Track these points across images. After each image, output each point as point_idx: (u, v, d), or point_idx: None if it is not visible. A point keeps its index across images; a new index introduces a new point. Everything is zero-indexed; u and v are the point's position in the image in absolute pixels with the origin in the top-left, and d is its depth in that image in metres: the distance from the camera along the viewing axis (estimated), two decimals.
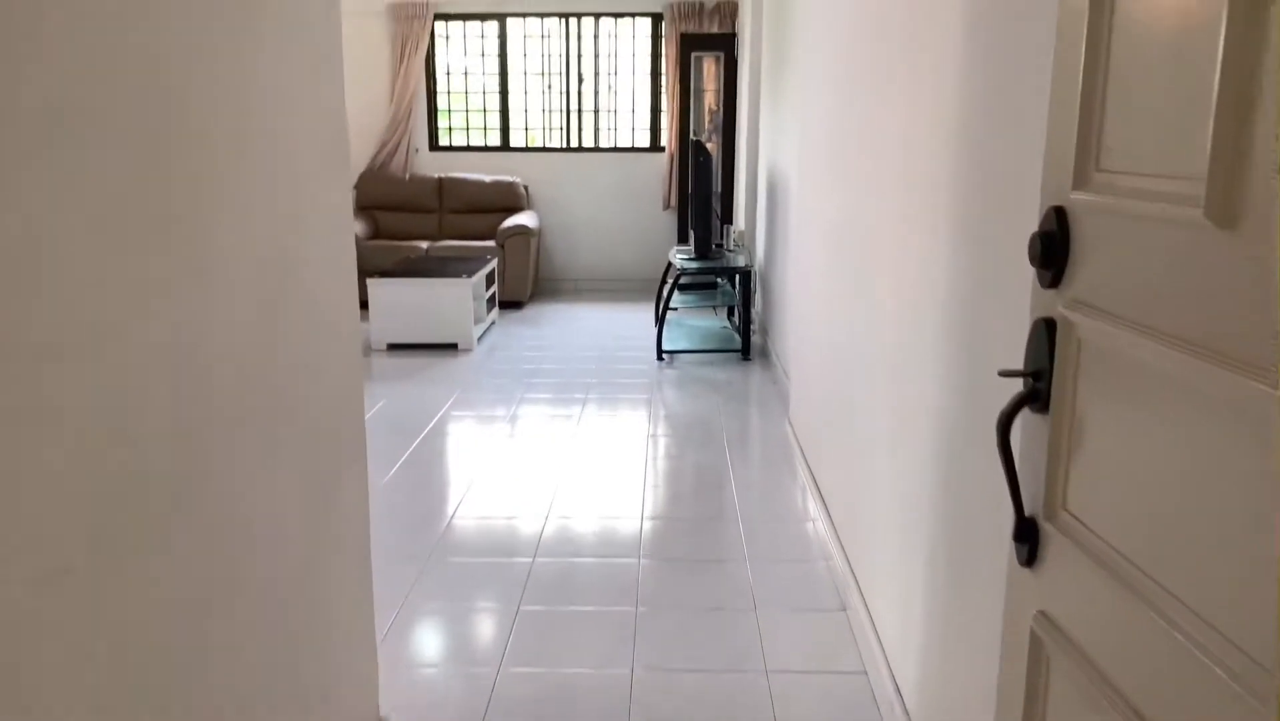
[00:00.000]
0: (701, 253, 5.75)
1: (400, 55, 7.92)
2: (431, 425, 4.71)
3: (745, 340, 5.70)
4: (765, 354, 5.81)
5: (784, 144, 5.29)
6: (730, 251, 6.18)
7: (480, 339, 6.39)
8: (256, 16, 1.57)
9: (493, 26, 8.04)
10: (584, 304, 7.74)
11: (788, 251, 4.97)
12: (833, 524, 3.14)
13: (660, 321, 5.73)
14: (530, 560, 3.15)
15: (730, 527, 3.40)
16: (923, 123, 2.11)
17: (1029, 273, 1.19)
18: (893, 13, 2.43)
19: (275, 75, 1.64)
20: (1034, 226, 1.16)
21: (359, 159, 8.14)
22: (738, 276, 5.80)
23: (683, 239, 7.66)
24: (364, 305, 7.18)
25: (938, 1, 2.03)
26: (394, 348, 6.15)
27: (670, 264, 6.41)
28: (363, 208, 8.00)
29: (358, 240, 7.45)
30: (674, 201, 7.98)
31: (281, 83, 1.66)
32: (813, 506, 3.48)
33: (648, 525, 3.43)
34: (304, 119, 1.76)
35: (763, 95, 6.35)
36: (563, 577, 3.04)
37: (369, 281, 6.10)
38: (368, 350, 6.11)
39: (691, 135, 7.50)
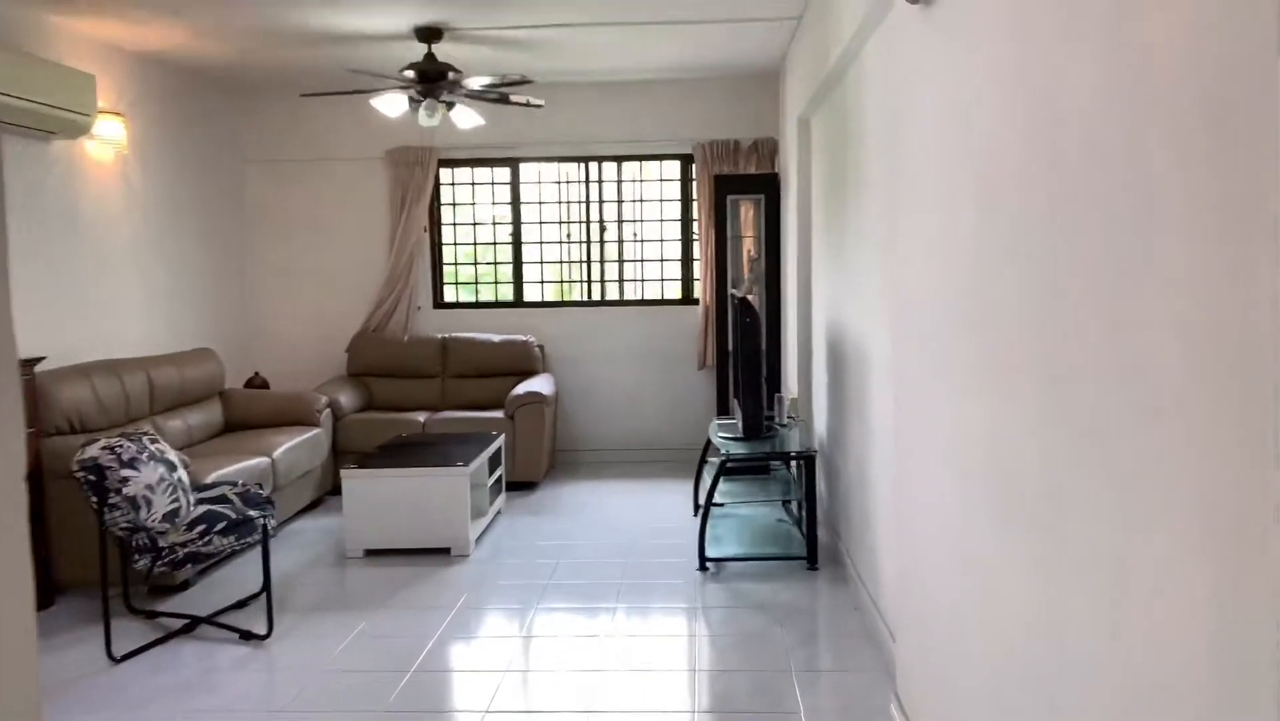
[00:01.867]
0: (751, 432, 4.64)
1: (401, 205, 7.09)
2: (418, 663, 3.57)
3: (811, 544, 4.52)
4: (836, 559, 4.62)
5: (850, 300, 4.25)
6: (783, 426, 5.08)
7: (481, 538, 5.24)
8: None
9: (504, 172, 7.22)
10: (609, 481, 6.60)
11: (869, 434, 3.85)
12: None
13: (702, 522, 4.57)
14: None
15: None
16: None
17: None
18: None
19: None
20: None
21: (353, 320, 7.22)
22: (801, 464, 4.67)
23: (722, 407, 6.57)
24: (335, 493, 6.21)
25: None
26: (373, 554, 5.02)
27: (710, 442, 5.30)
28: (354, 375, 7.02)
29: (343, 414, 6.42)
30: (710, 359, 6.94)
31: None
32: None
33: None
34: None
35: (815, 243, 5.37)
36: None
37: (342, 474, 5.03)
38: (341, 558, 4.98)
39: (730, 288, 6.52)
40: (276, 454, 5.42)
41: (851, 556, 4.31)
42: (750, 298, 5.57)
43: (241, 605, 4.28)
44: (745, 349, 4.53)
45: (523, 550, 5.07)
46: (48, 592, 4.32)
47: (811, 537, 4.52)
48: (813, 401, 5.51)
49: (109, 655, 3.74)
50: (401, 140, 7.06)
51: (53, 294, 5.06)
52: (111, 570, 3.88)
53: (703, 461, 5.55)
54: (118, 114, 5.46)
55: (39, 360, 4.31)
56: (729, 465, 4.53)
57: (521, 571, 4.73)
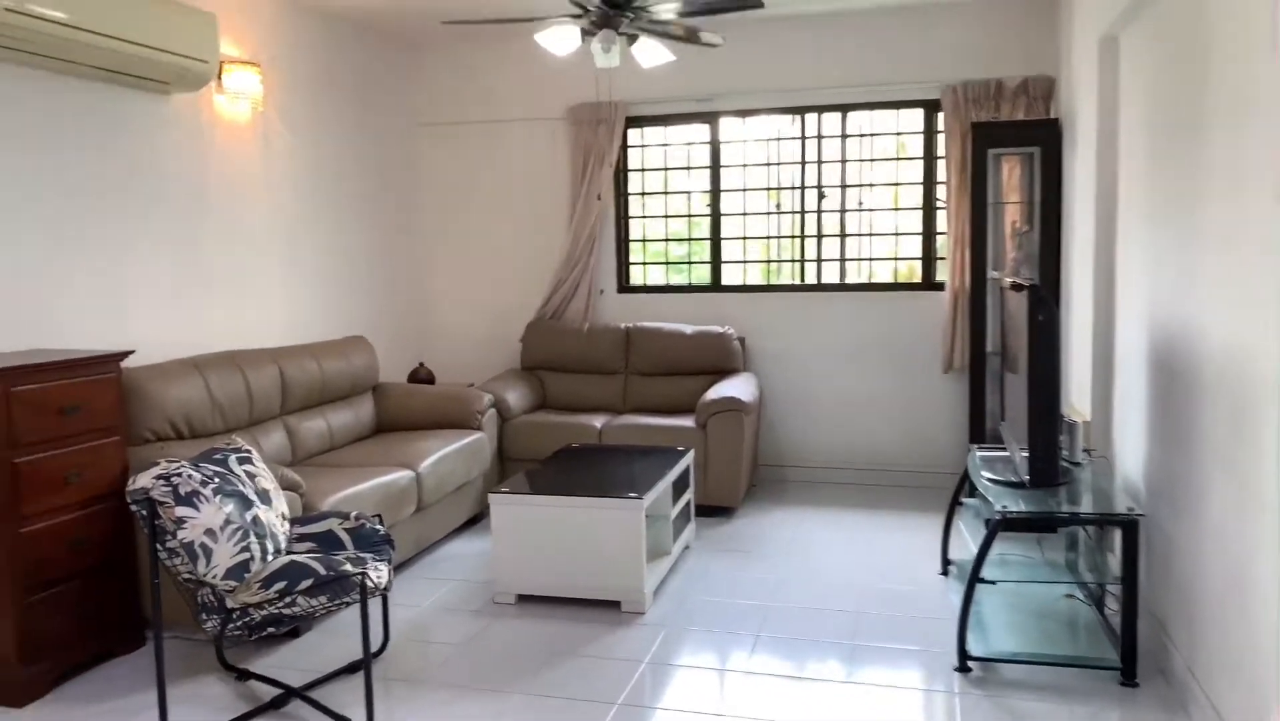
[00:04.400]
0: (1040, 479, 3.22)
1: (583, 172, 6.04)
2: None
3: (1128, 647, 3.08)
4: (1164, 670, 3.15)
5: (1210, 291, 2.77)
6: (1075, 465, 3.62)
7: (661, 587, 4.11)
8: None
9: (702, 129, 6.03)
10: (823, 510, 5.31)
11: (1250, 501, 2.41)
12: None
13: (965, 603, 3.22)
14: None
15: None
16: None
17: None
18: None
19: None
20: None
21: (528, 304, 6.27)
22: (1120, 531, 3.22)
23: (977, 426, 5.11)
24: (478, 520, 4.96)
25: None
26: (527, 601, 3.99)
27: (968, 480, 3.91)
28: (528, 368, 6.07)
29: (510, 415, 5.47)
30: (960, 361, 5.48)
31: None
32: None
33: None
34: None
35: (1127, 209, 3.84)
36: None
37: (490, 498, 4.02)
38: (488, 605, 3.98)
39: (990, 270, 5.06)
40: (423, 466, 4.51)
41: (1198, 673, 2.85)
42: (1018, 281, 4.07)
43: (354, 669, 3.36)
44: (1038, 359, 3.11)
45: (711, 612, 3.88)
46: (136, 630, 3.56)
47: (1129, 638, 3.07)
48: (1113, 430, 4.00)
49: None
50: (585, 95, 6.01)
51: (172, 276, 4.34)
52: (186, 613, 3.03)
53: (956, 502, 4.17)
54: (253, 64, 4.68)
55: (126, 354, 3.54)
56: (1007, 522, 3.14)
57: (707, 643, 3.55)
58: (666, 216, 6.18)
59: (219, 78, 4.48)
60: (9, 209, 3.55)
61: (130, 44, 3.68)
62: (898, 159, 5.78)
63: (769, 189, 5.96)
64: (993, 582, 3.37)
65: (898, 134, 5.77)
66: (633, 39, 4.40)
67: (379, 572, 3.07)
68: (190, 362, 4.10)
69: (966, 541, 4.36)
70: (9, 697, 3.13)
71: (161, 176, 4.26)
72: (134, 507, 2.81)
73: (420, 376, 6.07)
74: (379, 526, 3.40)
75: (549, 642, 3.59)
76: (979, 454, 3.92)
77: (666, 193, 6.15)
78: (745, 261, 6.06)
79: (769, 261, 6.03)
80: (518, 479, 4.29)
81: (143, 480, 2.80)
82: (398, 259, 6.20)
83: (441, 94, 6.34)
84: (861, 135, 5.79)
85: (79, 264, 3.84)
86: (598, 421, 5.44)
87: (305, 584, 2.84)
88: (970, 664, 3.22)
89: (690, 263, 6.17)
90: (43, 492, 3.17)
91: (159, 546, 2.83)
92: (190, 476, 2.85)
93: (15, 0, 3.20)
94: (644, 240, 6.24)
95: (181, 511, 2.77)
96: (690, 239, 6.16)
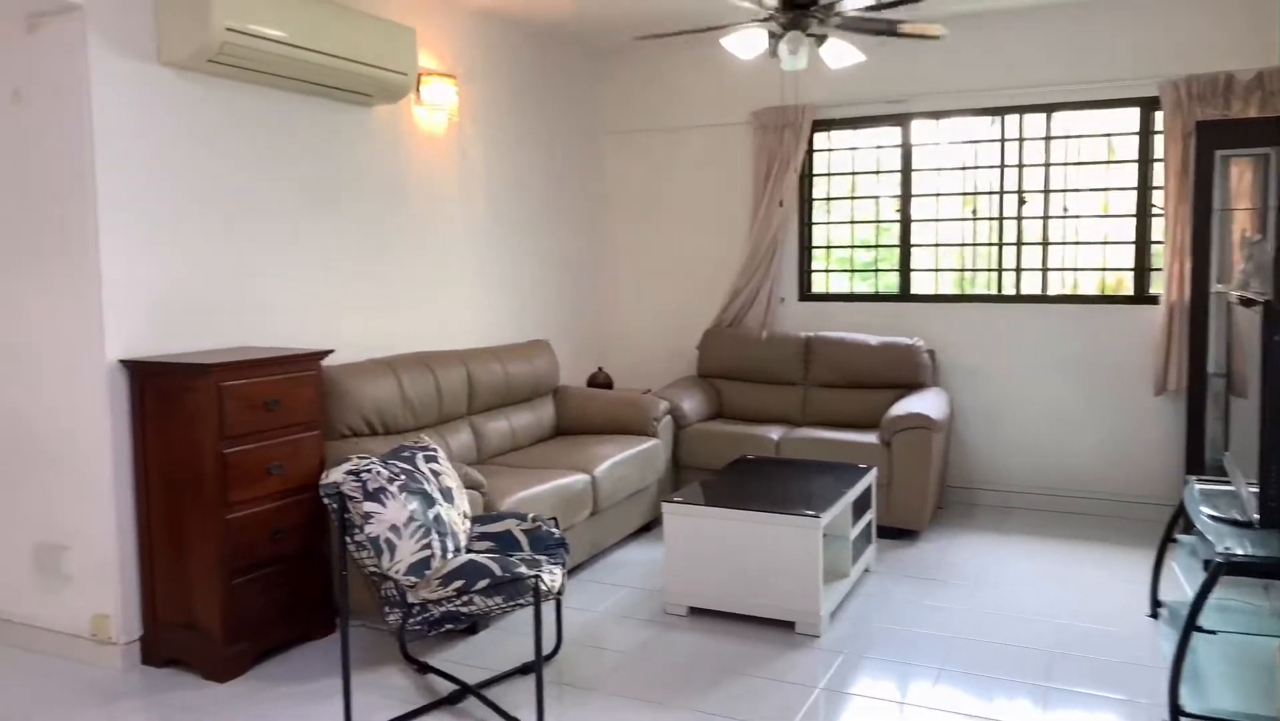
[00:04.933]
0: (1273, 518, 2.87)
1: (765, 177, 5.94)
2: None
3: None
4: None
5: None
6: None
7: (838, 611, 3.95)
8: None
9: (892, 132, 5.79)
10: (1017, 537, 4.97)
11: None
12: None
13: (1179, 651, 2.90)
14: None
15: None
16: None
17: None
18: None
19: None
20: None
21: (706, 311, 6.22)
22: None
23: (1194, 455, 4.67)
24: (651, 528, 4.91)
25: None
26: (699, 614, 3.93)
27: (1183, 515, 3.55)
28: (704, 376, 6.02)
29: (686, 423, 5.43)
30: (1177, 382, 5.01)
31: None
32: None
33: None
34: None
35: None
36: None
37: (663, 507, 3.99)
38: (659, 614, 3.95)
39: (1214, 283, 4.60)
40: (599, 470, 4.53)
41: None
42: (1246, 295, 3.66)
43: (526, 670, 3.39)
44: (1273, 384, 2.76)
45: (891, 640, 3.69)
46: (328, 617, 3.74)
47: None
48: None
49: None
50: (770, 99, 5.90)
51: (369, 280, 4.55)
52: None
53: (1169, 538, 3.79)
54: (449, 76, 4.86)
55: (326, 353, 3.73)
56: (1230, 565, 2.81)
57: (886, 672, 3.37)
58: (853, 222, 5.98)
59: (417, 89, 4.67)
60: (228, 215, 3.81)
61: (338, 59, 3.88)
62: (1108, 162, 5.35)
63: (964, 194, 5.65)
64: (1212, 632, 3.03)
65: (1108, 135, 5.34)
66: (821, 40, 4.27)
67: (553, 576, 3.08)
68: (385, 362, 4.29)
69: (1180, 582, 3.98)
70: (213, 672, 3.34)
71: (363, 184, 4.48)
72: (326, 500, 2.94)
73: (599, 381, 6.13)
74: (555, 530, 3.43)
75: (719, 659, 3.51)
76: (1198, 487, 3.54)
77: (853, 198, 5.95)
78: (937, 270, 5.77)
79: (963, 270, 5.72)
80: (692, 489, 4.23)
81: (335, 474, 2.92)
82: (580, 264, 6.29)
83: (626, 101, 6.40)
84: (1068, 137, 5.40)
85: (286, 267, 4.08)
86: (774, 433, 5.32)
87: (482, 583, 2.88)
88: (1183, 720, 2.90)
89: (877, 270, 5.94)
90: (248, 482, 3.37)
91: (348, 539, 2.95)
92: (378, 473, 2.95)
93: (238, 21, 3.44)
94: (828, 246, 6.07)
95: (369, 506, 2.88)
96: (878, 245, 5.93)
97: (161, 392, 3.36)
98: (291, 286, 4.11)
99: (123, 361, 3.39)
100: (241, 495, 3.36)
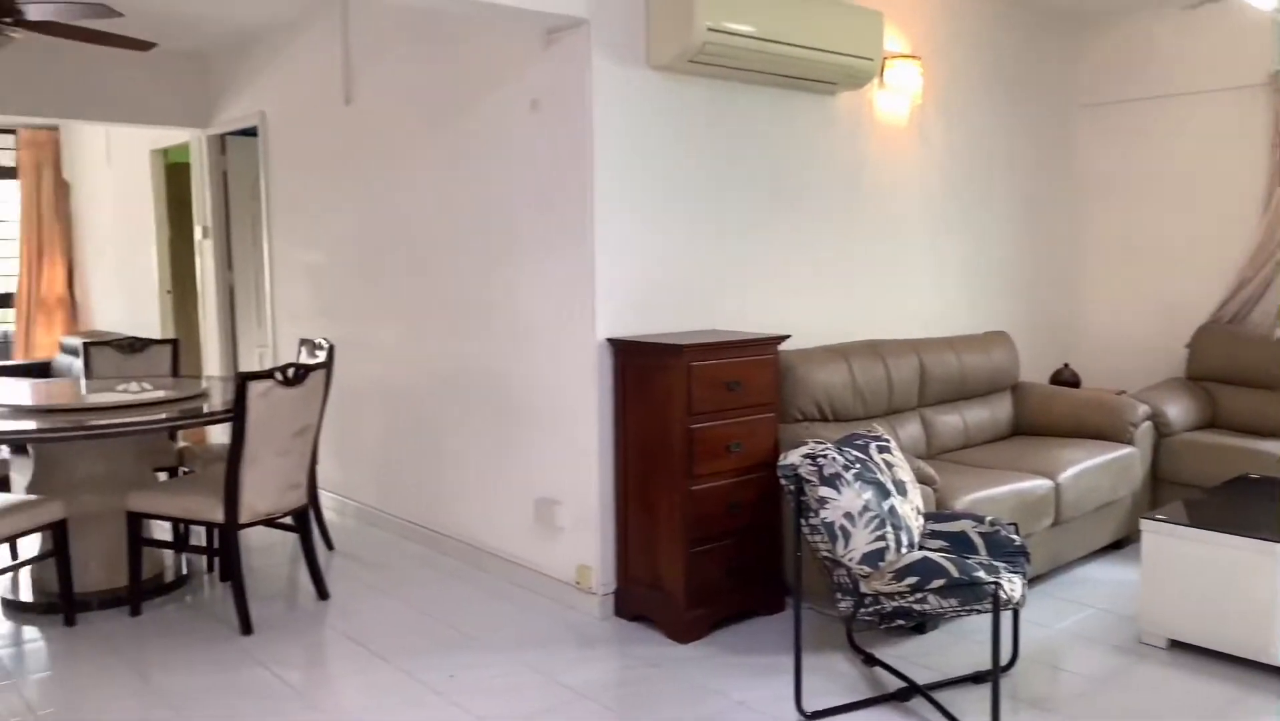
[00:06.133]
0: None
1: (1277, 144, 5.04)
2: None
3: None
4: None
5: None
6: None
7: None
8: None
9: None
10: None
11: None
12: None
13: None
14: None
15: None
16: None
17: None
18: None
19: None
20: None
21: (1202, 307, 5.46)
22: None
23: None
24: (1121, 545, 4.43)
25: None
26: (1180, 648, 3.46)
27: None
28: (1195, 379, 5.28)
29: (1169, 431, 4.81)
30: None
31: None
32: None
33: None
34: None
35: None
36: None
37: (1142, 524, 3.55)
38: (1133, 643, 3.54)
39: None
40: (1063, 476, 4.17)
41: None
42: None
43: (978, 679, 3.23)
44: None
45: None
46: (776, 594, 3.86)
47: None
48: None
49: (797, 706, 3.05)
50: None
51: (823, 267, 4.58)
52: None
53: None
54: (914, 58, 4.73)
55: (783, 338, 3.82)
56: None
57: None
58: None
59: (880, 74, 4.61)
60: (700, 206, 4.05)
61: (805, 49, 3.94)
62: None
63: None
64: None
65: None
66: None
67: (1012, 584, 2.88)
68: (836, 349, 4.30)
69: None
70: (676, 633, 3.60)
71: (821, 173, 4.52)
72: (783, 481, 3.01)
73: (1064, 378, 5.64)
74: (1014, 535, 3.21)
75: (1206, 703, 3.06)
76: None
77: None
78: None
79: None
80: (1176, 506, 3.73)
81: (793, 457, 2.99)
82: (1044, 251, 5.82)
83: (1106, 70, 5.78)
84: None
85: (747, 254, 4.25)
86: (1277, 448, 4.51)
87: (937, 583, 2.77)
88: None
89: None
90: (710, 457, 3.57)
91: (802, 521, 3.00)
92: (834, 459, 2.96)
93: (716, 20, 3.63)
94: None
95: (824, 491, 2.90)
96: None
97: (640, 369, 3.67)
98: (752, 272, 4.27)
99: (609, 340, 3.77)
100: (704, 469, 3.56)
